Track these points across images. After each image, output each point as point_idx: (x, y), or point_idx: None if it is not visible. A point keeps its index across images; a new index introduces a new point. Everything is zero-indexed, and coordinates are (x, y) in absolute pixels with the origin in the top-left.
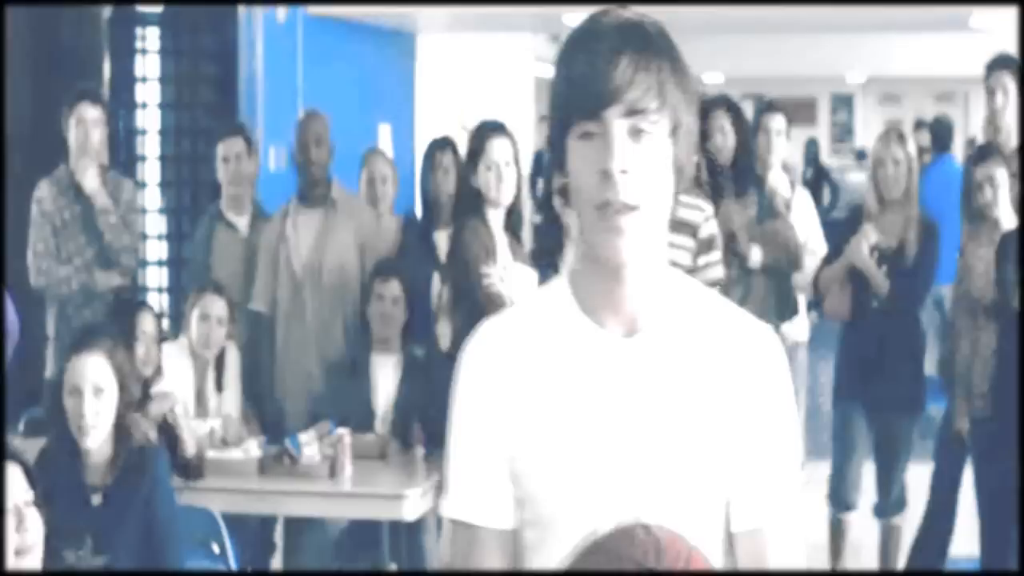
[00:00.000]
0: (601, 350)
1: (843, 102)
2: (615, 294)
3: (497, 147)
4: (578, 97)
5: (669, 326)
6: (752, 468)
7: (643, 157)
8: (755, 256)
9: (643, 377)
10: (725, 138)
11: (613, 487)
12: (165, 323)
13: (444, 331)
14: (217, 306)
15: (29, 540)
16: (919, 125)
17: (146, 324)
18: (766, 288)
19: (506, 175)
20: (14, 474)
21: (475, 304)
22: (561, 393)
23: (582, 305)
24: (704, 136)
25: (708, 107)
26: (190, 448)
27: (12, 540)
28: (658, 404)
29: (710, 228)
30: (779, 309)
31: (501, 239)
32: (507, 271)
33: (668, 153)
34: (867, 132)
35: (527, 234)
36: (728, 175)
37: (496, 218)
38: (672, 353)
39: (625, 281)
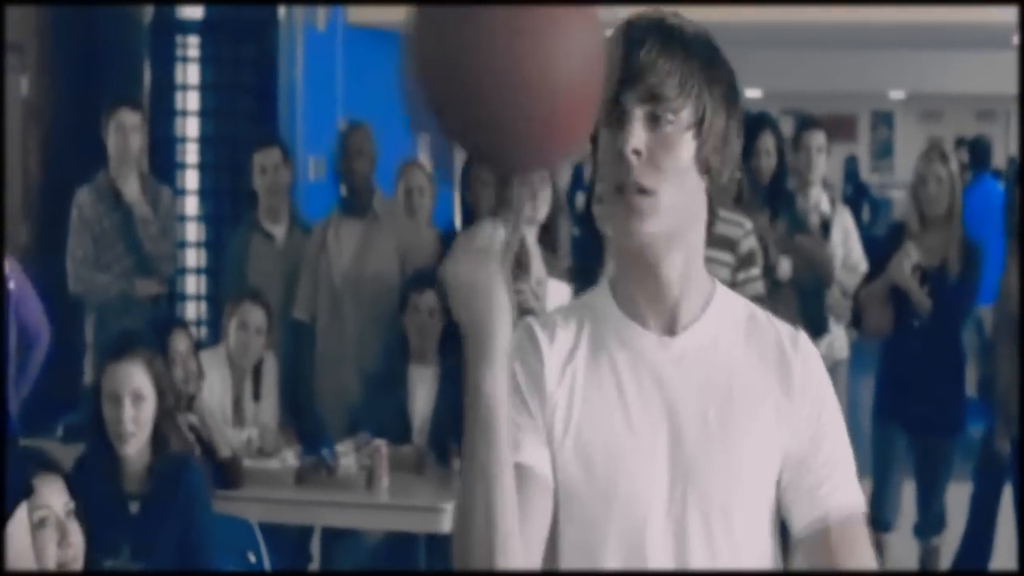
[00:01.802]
0: (643, 349)
1: (883, 119)
2: (653, 293)
3: None
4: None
5: (710, 325)
6: (805, 463)
7: (660, 143)
8: (784, 268)
9: (687, 375)
10: (770, 159)
11: (657, 485)
12: (203, 331)
13: None
14: (256, 315)
15: (71, 555)
16: (959, 143)
17: (179, 344)
18: (794, 303)
19: (539, 191)
20: (54, 484)
21: None
22: (605, 389)
23: (622, 306)
24: (748, 155)
25: (754, 128)
26: (223, 450)
27: (54, 555)
28: (702, 402)
29: (750, 243)
30: (807, 326)
31: (535, 254)
32: (541, 286)
33: (690, 147)
34: (907, 150)
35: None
36: (764, 193)
37: (530, 233)
38: (715, 351)
39: (661, 279)
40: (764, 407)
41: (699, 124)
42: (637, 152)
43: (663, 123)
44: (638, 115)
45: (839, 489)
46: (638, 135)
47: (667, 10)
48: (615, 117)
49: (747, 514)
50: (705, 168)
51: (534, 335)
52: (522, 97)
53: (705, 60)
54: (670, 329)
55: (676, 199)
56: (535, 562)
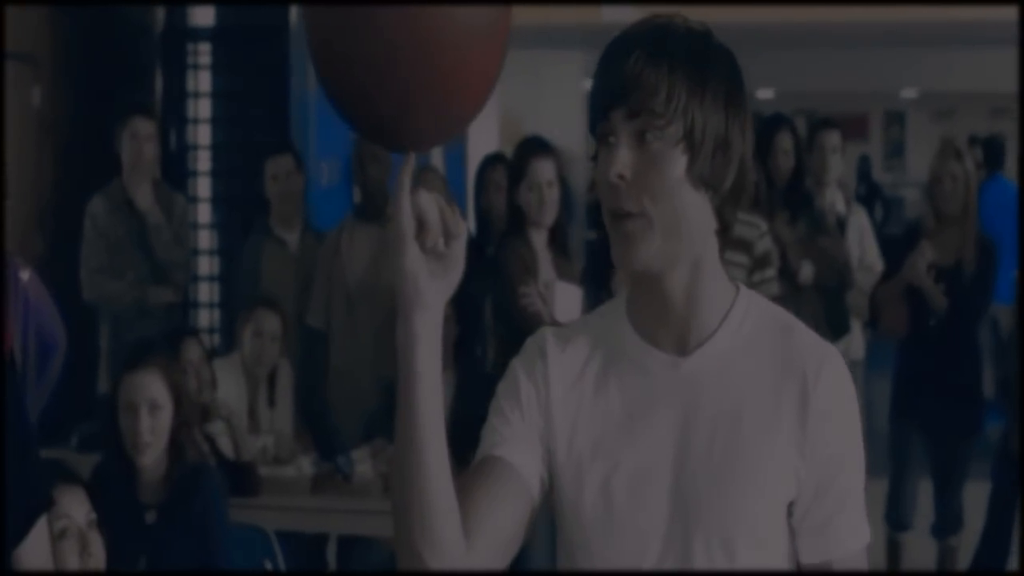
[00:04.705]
0: (654, 369)
1: (895, 118)
2: (660, 312)
3: (539, 167)
4: (593, 100)
5: (725, 342)
6: (817, 496)
7: (647, 162)
8: (806, 272)
9: (698, 397)
10: (788, 159)
11: (657, 513)
12: (216, 338)
13: (490, 350)
14: (270, 322)
15: (92, 566)
16: (973, 141)
17: (191, 353)
18: (817, 305)
19: (547, 195)
20: (75, 495)
21: (514, 323)
22: (612, 412)
23: (634, 324)
24: (766, 154)
25: (771, 128)
26: (246, 454)
27: (75, 567)
28: (712, 426)
29: (765, 245)
30: (830, 327)
31: (544, 257)
32: (548, 289)
33: (680, 162)
34: (920, 148)
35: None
36: (781, 193)
37: (539, 236)
38: (729, 369)
39: (666, 297)
40: (779, 431)
41: (689, 136)
42: (622, 177)
43: (649, 140)
44: (624, 135)
45: (847, 525)
46: (622, 158)
47: (659, 14)
48: (603, 136)
49: (753, 544)
50: (700, 181)
51: (545, 351)
52: (414, 67)
53: (693, 66)
54: (681, 348)
55: (671, 219)
56: (498, 555)
